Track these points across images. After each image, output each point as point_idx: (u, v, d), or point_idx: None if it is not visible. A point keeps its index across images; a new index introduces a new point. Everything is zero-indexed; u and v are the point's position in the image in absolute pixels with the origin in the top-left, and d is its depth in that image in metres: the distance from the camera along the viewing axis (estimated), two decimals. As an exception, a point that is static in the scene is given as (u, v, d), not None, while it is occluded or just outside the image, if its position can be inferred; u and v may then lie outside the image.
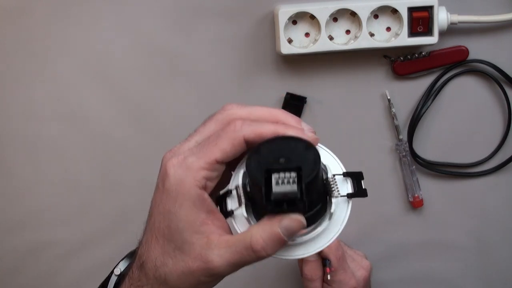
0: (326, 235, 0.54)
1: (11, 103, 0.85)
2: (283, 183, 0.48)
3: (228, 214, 0.51)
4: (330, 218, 0.53)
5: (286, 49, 0.81)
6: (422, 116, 0.85)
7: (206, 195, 0.50)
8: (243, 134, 0.50)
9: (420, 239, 0.89)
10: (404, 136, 0.86)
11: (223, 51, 0.84)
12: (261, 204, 0.48)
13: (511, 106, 0.86)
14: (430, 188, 0.88)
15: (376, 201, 0.88)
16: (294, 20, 0.81)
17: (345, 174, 0.56)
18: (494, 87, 0.86)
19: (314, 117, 0.86)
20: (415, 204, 0.87)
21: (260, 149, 0.50)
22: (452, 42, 0.84)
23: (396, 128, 0.86)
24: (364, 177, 0.88)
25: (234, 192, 0.51)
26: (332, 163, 0.56)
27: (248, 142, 0.50)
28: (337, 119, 0.86)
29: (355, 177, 0.56)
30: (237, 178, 0.51)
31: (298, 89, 0.85)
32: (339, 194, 0.53)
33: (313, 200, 0.51)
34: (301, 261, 0.80)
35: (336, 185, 0.53)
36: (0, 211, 0.87)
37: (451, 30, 0.83)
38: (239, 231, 0.51)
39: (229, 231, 0.51)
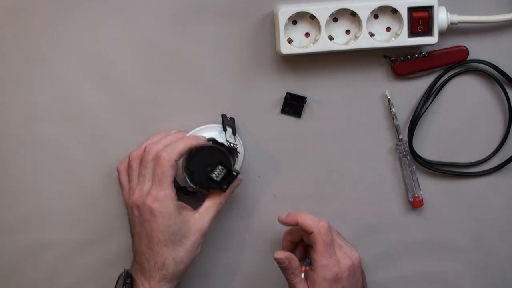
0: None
1: (10, 103, 0.85)
2: (219, 175, 0.80)
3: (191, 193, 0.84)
4: (237, 156, 0.84)
5: (286, 49, 0.81)
6: (422, 116, 0.85)
7: (179, 203, 0.78)
8: (173, 159, 0.77)
9: (420, 239, 0.89)
10: (404, 136, 0.86)
11: (223, 51, 0.84)
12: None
13: (511, 106, 0.86)
14: (430, 188, 0.88)
15: (376, 201, 0.88)
16: (294, 20, 0.81)
17: (224, 129, 0.83)
18: (495, 87, 0.86)
19: (314, 117, 0.86)
20: (415, 204, 0.87)
21: (190, 167, 0.80)
22: (452, 42, 0.84)
23: (396, 128, 0.86)
24: (364, 176, 0.89)
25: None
26: (214, 131, 0.84)
27: (177, 160, 0.77)
28: (337, 119, 0.86)
29: (228, 124, 0.83)
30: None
31: (298, 89, 0.85)
32: (236, 145, 0.82)
33: (232, 162, 0.81)
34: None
35: (234, 143, 0.82)
36: (0, 211, 0.87)
37: (451, 30, 0.83)
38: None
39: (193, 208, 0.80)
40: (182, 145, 0.78)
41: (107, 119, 0.86)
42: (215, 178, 0.80)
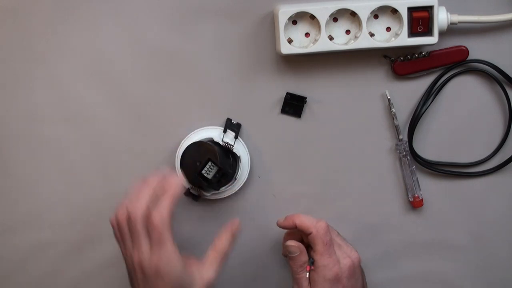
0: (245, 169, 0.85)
1: (10, 103, 0.85)
2: (210, 172, 0.80)
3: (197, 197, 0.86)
4: (240, 161, 0.84)
5: (286, 49, 0.81)
6: (422, 116, 0.85)
7: (182, 257, 0.74)
8: (166, 219, 0.73)
9: (420, 239, 0.89)
10: (404, 136, 0.86)
11: (223, 51, 0.84)
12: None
13: (511, 106, 0.86)
14: (430, 188, 0.88)
15: (376, 201, 0.88)
16: (294, 20, 0.81)
17: (225, 130, 0.83)
18: (495, 87, 0.86)
19: (314, 117, 0.86)
20: (415, 204, 0.87)
21: (183, 164, 0.81)
22: (452, 42, 0.84)
23: (396, 128, 0.86)
24: (364, 176, 0.89)
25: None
26: (214, 132, 0.84)
27: (169, 216, 0.73)
28: (337, 119, 0.86)
29: (232, 127, 0.84)
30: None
31: (298, 89, 0.85)
32: (232, 145, 0.83)
33: (228, 162, 0.82)
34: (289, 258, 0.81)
35: (230, 143, 0.82)
36: (0, 211, 0.87)
37: (451, 30, 0.83)
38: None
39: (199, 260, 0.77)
40: (168, 202, 0.74)
41: (107, 119, 0.86)
42: (205, 175, 0.80)
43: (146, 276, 0.74)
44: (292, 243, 0.80)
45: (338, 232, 0.84)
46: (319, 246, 0.78)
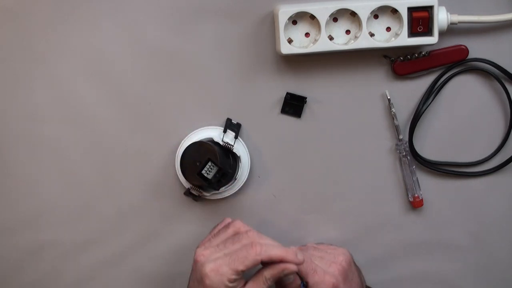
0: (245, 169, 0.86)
1: (10, 103, 0.85)
2: (210, 172, 0.80)
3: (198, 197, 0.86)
4: (240, 161, 0.85)
5: (286, 49, 0.81)
6: (422, 115, 0.85)
7: (232, 285, 0.73)
8: (261, 258, 0.72)
9: (420, 239, 0.89)
10: (404, 136, 0.86)
11: (223, 51, 0.84)
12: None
13: None
14: (430, 188, 0.88)
15: (376, 201, 0.88)
16: (294, 20, 0.81)
17: (225, 130, 0.84)
18: (495, 86, 0.86)
19: (314, 117, 0.86)
20: (415, 204, 0.87)
21: (183, 163, 0.81)
22: (452, 42, 0.84)
23: (396, 128, 0.86)
24: (364, 176, 0.89)
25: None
26: (214, 132, 0.85)
27: (264, 261, 0.72)
28: (337, 119, 0.86)
29: (232, 127, 0.85)
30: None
31: (298, 89, 0.85)
32: (232, 145, 0.83)
33: (228, 162, 0.83)
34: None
35: (230, 143, 0.83)
36: (0, 211, 0.87)
37: (451, 30, 0.83)
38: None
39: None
40: (279, 252, 0.72)
41: (107, 119, 0.86)
42: (205, 175, 0.80)
43: (195, 272, 0.75)
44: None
45: (315, 246, 0.84)
46: (300, 269, 0.75)
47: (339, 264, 0.79)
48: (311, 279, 0.76)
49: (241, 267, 0.71)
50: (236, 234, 0.75)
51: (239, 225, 0.76)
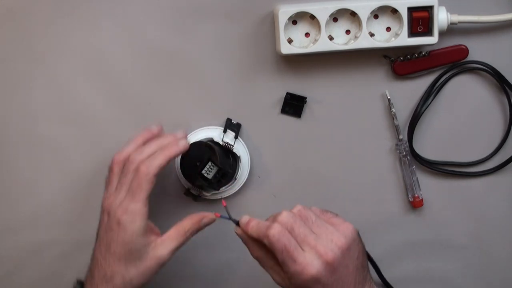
0: (245, 170, 0.86)
1: (10, 103, 0.85)
2: (210, 172, 0.80)
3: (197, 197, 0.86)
4: (240, 161, 0.85)
5: (286, 49, 0.81)
6: (422, 115, 0.85)
7: (147, 222, 0.75)
8: (152, 173, 0.74)
9: (420, 239, 0.89)
10: (404, 136, 0.86)
11: (223, 51, 0.84)
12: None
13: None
14: (430, 188, 0.88)
15: (376, 201, 0.88)
16: (294, 20, 0.81)
17: (225, 130, 0.84)
18: (495, 86, 0.86)
19: (314, 117, 0.86)
20: (415, 204, 0.87)
21: (183, 164, 0.82)
22: (452, 42, 0.84)
23: (396, 128, 0.86)
24: (364, 176, 0.89)
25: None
26: (214, 132, 0.85)
27: (157, 174, 0.74)
28: (337, 119, 0.86)
29: (232, 127, 0.84)
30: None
31: (298, 89, 0.85)
32: (232, 145, 0.83)
33: (228, 162, 0.83)
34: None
35: (230, 143, 0.83)
36: (0, 211, 0.87)
37: (451, 30, 0.83)
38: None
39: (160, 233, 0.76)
40: (161, 158, 0.75)
41: (107, 119, 0.86)
42: (205, 175, 0.80)
43: (109, 221, 0.75)
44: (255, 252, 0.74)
45: (319, 212, 0.75)
46: (278, 255, 0.69)
47: (332, 251, 0.69)
48: (290, 268, 0.69)
49: (142, 194, 0.73)
50: (124, 166, 0.76)
51: (119, 158, 0.77)
